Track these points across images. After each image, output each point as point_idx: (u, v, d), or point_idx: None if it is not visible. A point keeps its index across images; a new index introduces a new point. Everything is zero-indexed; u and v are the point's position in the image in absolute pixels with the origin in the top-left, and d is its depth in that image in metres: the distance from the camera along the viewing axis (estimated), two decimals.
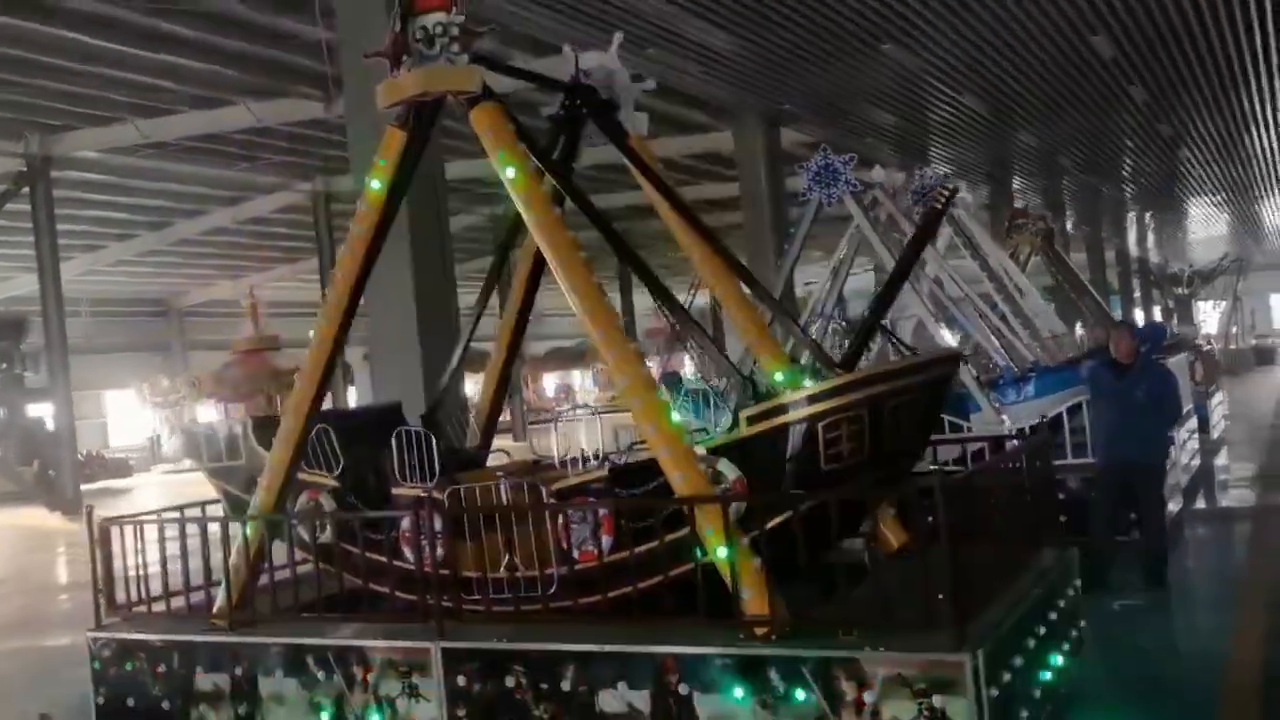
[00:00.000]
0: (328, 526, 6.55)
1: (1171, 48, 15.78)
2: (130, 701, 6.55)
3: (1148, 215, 41.74)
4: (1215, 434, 16.98)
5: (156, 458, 40.26)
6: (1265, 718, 5.69)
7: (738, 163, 21.64)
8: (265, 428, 7.02)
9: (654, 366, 10.43)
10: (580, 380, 69.14)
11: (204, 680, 6.29)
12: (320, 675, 5.90)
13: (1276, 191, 36.18)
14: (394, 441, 6.41)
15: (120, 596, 6.87)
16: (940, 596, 4.61)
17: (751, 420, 5.40)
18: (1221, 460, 15.78)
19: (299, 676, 5.97)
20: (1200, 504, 12.29)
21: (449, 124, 7.99)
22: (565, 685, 5.22)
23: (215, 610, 6.43)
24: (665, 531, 5.34)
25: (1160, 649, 7.15)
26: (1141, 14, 14.31)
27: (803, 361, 7.48)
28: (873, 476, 5.45)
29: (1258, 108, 20.41)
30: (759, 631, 4.94)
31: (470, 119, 5.95)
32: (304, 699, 5.95)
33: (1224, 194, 35.32)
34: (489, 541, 5.97)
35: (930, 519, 4.77)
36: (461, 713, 5.48)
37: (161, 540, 6.82)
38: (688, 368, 12.18)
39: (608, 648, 5.14)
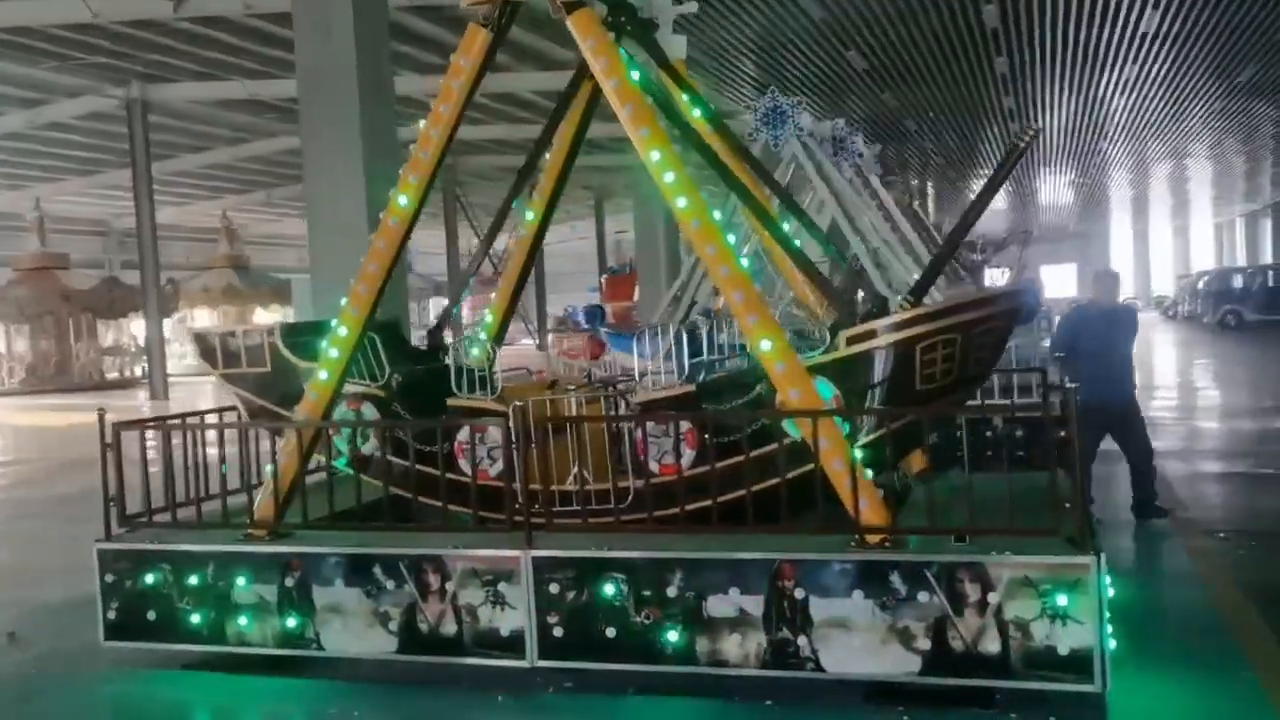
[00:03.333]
0: (369, 437, 6.39)
1: (1047, 21, 16.86)
2: (151, 615, 6.22)
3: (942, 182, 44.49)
4: None
5: None
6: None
7: None
8: (298, 334, 6.75)
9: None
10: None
11: (246, 592, 6.05)
12: (389, 584, 5.79)
13: (1049, 170, 39.43)
14: (451, 352, 6.31)
15: (132, 506, 6.48)
16: (1067, 505, 4.99)
17: (852, 340, 5.63)
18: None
19: (363, 586, 5.84)
20: None
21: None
22: (671, 591, 5.34)
23: (256, 517, 6.17)
24: (753, 445, 5.55)
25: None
26: None
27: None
28: (955, 399, 5.80)
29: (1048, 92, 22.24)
30: (874, 539, 5.21)
31: (569, 24, 5.86)
32: (367, 609, 5.82)
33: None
34: (560, 454, 5.99)
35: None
36: (553, 619, 5.51)
37: (183, 445, 6.48)
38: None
39: (725, 554, 5.29)
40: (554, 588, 5.52)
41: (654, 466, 5.89)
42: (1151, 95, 23.87)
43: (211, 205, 45.01)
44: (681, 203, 5.56)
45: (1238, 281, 42.63)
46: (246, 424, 6.69)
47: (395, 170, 11.09)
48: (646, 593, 5.39)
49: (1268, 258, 60.61)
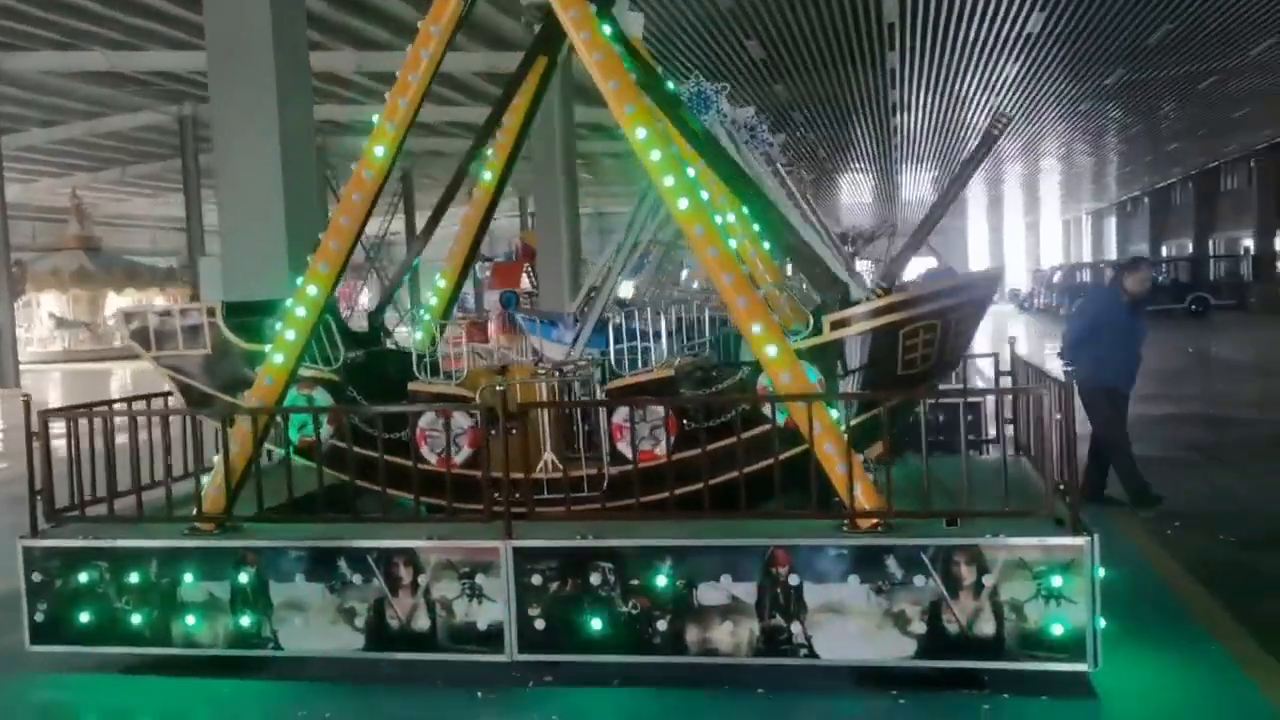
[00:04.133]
0: (322, 424, 6.06)
1: (942, 17, 17.28)
2: (84, 616, 5.77)
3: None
4: None
5: None
6: None
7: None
8: (241, 314, 6.36)
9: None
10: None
11: (194, 589, 5.67)
12: (356, 579, 5.50)
13: (914, 167, 40.81)
14: (413, 335, 6.04)
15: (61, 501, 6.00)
16: (1061, 486, 5.05)
17: (835, 325, 5.59)
18: None
19: (327, 581, 5.53)
20: None
21: None
22: (660, 580, 5.22)
23: (205, 509, 5.78)
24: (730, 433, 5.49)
25: None
26: None
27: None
28: (932, 384, 5.83)
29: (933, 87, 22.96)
30: (867, 523, 5.19)
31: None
32: (331, 605, 5.52)
33: (870, 164, 39.10)
34: (533, 439, 5.80)
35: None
36: (534, 611, 5.33)
37: (109, 434, 6.02)
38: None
39: (717, 541, 5.19)
40: (536, 579, 5.33)
41: (628, 451, 5.76)
42: (1025, 94, 24.79)
43: (60, 183, 42.61)
44: (669, 182, 5.44)
45: (1088, 275, 44.72)
46: (205, 411, 6.23)
47: (311, 150, 10.81)
48: (634, 581, 5.25)
49: (1112, 252, 63.88)
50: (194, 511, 5.84)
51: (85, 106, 32.67)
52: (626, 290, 13.67)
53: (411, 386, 6.18)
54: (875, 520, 5.20)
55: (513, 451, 5.66)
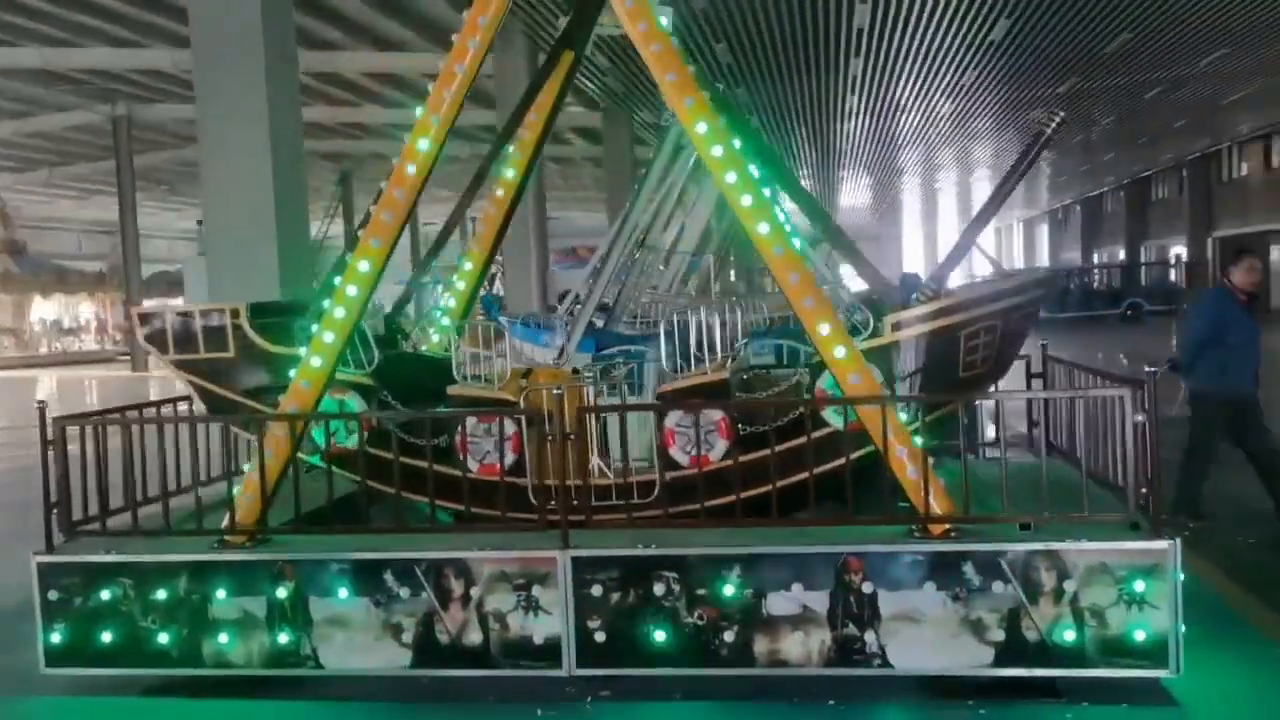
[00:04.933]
0: (353, 430, 5.78)
1: (910, 23, 17.34)
2: (107, 636, 5.42)
3: None
4: None
5: None
6: None
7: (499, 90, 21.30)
8: (266, 315, 6.06)
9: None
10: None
11: (228, 605, 5.36)
12: (403, 592, 5.24)
13: (852, 174, 41.22)
14: (452, 337, 5.81)
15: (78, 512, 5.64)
16: (1144, 490, 4.96)
17: (897, 326, 5.47)
18: None
19: (371, 595, 5.27)
20: None
21: None
22: (728, 589, 5.04)
23: (237, 520, 5.47)
24: (791, 435, 5.35)
25: None
26: None
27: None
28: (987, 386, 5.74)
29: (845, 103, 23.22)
30: (940, 528, 5.07)
31: None
32: (377, 620, 5.26)
33: (815, 170, 39.42)
34: (582, 446, 5.59)
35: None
36: (594, 623, 5.12)
37: (127, 443, 5.68)
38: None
39: (788, 548, 5.02)
40: (596, 590, 5.12)
41: (681, 457, 5.57)
42: (982, 101, 25.05)
43: None
44: (731, 178, 5.27)
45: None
46: (245, 417, 5.87)
47: (299, 148, 10.45)
48: (700, 591, 5.07)
49: (1044, 259, 65.14)
50: (224, 523, 5.52)
51: (14, 105, 31.60)
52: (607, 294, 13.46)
53: (452, 391, 5.92)
54: (947, 526, 5.08)
55: (570, 457, 5.44)
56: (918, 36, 18.09)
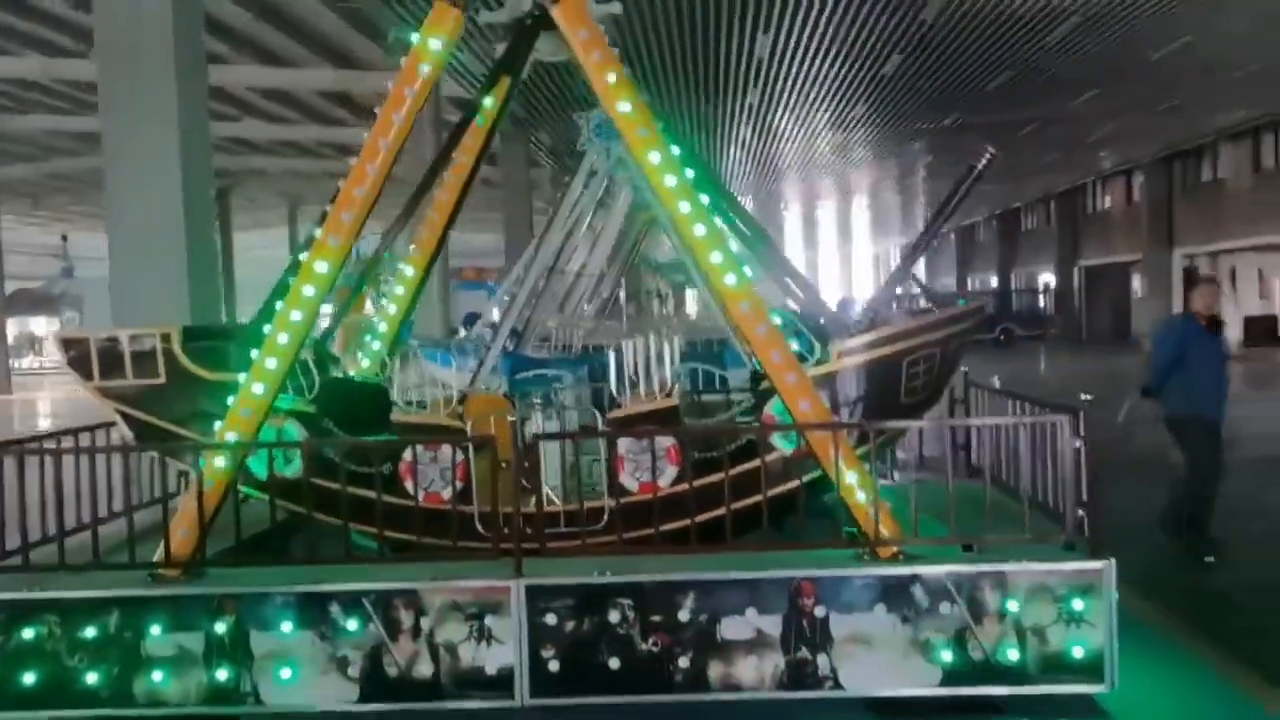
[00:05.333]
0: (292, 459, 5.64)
1: (810, 54, 17.78)
2: (29, 678, 5.15)
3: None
4: None
5: None
6: None
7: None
8: (197, 339, 5.87)
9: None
10: (47, 327, 60.94)
11: (163, 641, 5.15)
12: (349, 624, 5.12)
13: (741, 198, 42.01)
14: (395, 362, 5.72)
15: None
16: (1080, 512, 5.17)
17: (843, 354, 5.60)
18: None
19: (315, 628, 5.13)
20: None
21: None
22: (683, 615, 5.07)
23: (171, 552, 5.26)
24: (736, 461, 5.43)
25: None
26: None
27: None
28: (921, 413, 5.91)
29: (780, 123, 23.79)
30: (888, 551, 5.19)
31: (554, 14, 5.48)
32: (323, 654, 5.12)
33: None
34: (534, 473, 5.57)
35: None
36: (548, 653, 5.09)
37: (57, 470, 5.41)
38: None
39: (743, 574, 5.08)
40: (550, 618, 5.09)
41: (631, 483, 5.60)
42: (865, 133, 25.85)
43: None
44: (684, 208, 5.34)
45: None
46: (187, 445, 5.64)
47: (209, 166, 10.12)
48: (656, 618, 5.08)
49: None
50: (157, 555, 5.31)
51: None
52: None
53: (396, 417, 5.83)
54: (895, 549, 5.21)
55: (516, 484, 5.41)
56: (814, 68, 18.58)
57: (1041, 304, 47.30)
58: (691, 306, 42.29)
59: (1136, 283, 41.59)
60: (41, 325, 60.46)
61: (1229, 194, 33.30)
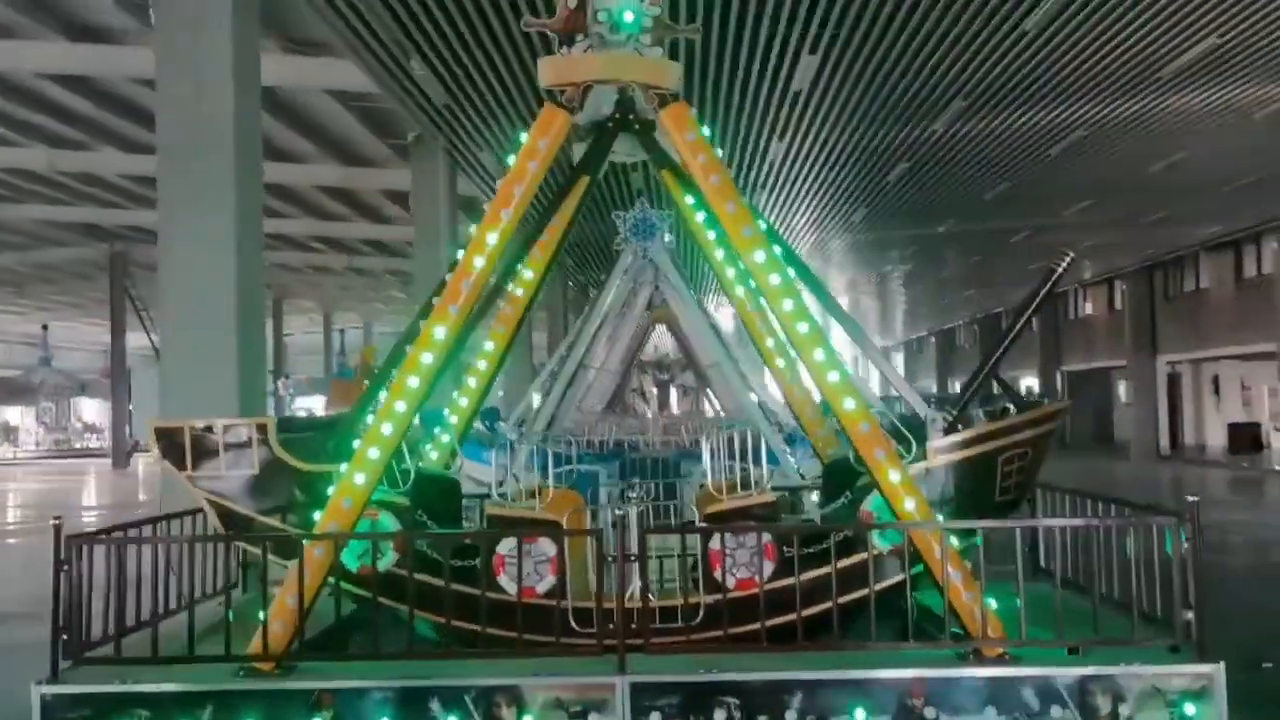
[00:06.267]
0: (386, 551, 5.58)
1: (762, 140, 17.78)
2: None
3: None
4: None
5: None
6: None
7: (415, 200, 21.18)
8: (291, 431, 5.85)
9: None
10: (22, 418, 60.22)
11: None
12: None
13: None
14: (495, 455, 5.72)
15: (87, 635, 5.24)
16: (1189, 616, 5.17)
17: (938, 451, 5.64)
18: None
19: None
20: None
21: None
22: (789, 715, 5.01)
23: (267, 646, 5.16)
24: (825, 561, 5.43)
25: None
26: None
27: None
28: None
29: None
30: (994, 651, 5.17)
31: (660, 118, 5.63)
32: None
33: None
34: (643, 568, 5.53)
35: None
36: None
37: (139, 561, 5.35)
38: None
39: (850, 674, 5.04)
40: (655, 717, 5.01)
41: (726, 579, 5.57)
42: (868, 236, 26.33)
43: None
44: (788, 305, 5.42)
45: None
46: (286, 536, 5.56)
47: (260, 258, 10.19)
48: (762, 718, 5.02)
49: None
50: (251, 648, 5.21)
51: None
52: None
53: (490, 511, 5.80)
54: (1001, 649, 5.19)
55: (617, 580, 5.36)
56: (823, 174, 19.00)
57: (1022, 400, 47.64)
58: (674, 403, 42.09)
59: (1121, 388, 42.13)
60: (16, 415, 59.70)
61: (1211, 303, 34.03)
